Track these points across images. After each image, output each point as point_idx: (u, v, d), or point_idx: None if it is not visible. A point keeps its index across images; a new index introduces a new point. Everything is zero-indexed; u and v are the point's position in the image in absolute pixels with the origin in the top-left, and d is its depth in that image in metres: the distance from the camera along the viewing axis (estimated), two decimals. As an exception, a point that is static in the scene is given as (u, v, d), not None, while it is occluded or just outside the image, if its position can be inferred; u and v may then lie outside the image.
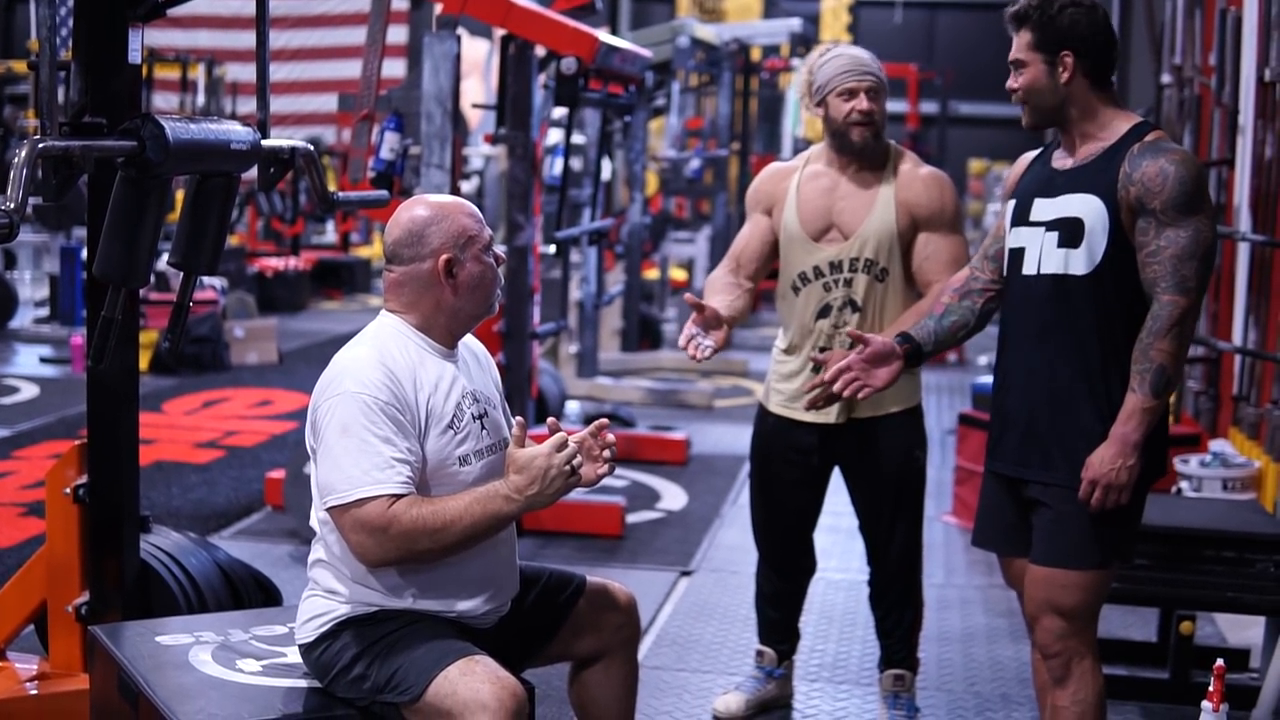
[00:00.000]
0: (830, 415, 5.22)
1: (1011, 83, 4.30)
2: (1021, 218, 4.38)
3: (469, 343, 4.10)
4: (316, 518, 3.88)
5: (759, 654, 5.67)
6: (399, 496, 3.68)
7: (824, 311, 5.22)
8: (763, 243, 5.35)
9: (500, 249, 4.01)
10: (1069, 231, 4.22)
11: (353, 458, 3.70)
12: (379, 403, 3.72)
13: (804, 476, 5.41)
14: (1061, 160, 4.35)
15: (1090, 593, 4.28)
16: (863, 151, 5.17)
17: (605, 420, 3.98)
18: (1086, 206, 4.20)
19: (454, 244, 3.87)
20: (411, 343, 3.89)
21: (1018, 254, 4.38)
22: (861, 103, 5.12)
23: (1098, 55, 4.24)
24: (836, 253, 5.20)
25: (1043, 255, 4.28)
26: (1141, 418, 4.11)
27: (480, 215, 3.96)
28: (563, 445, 3.71)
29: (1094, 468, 4.14)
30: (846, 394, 4.55)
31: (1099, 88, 4.26)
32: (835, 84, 5.16)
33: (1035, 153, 4.54)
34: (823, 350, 5.11)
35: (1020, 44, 4.25)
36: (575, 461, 3.72)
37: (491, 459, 3.93)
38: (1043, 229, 4.29)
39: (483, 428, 3.94)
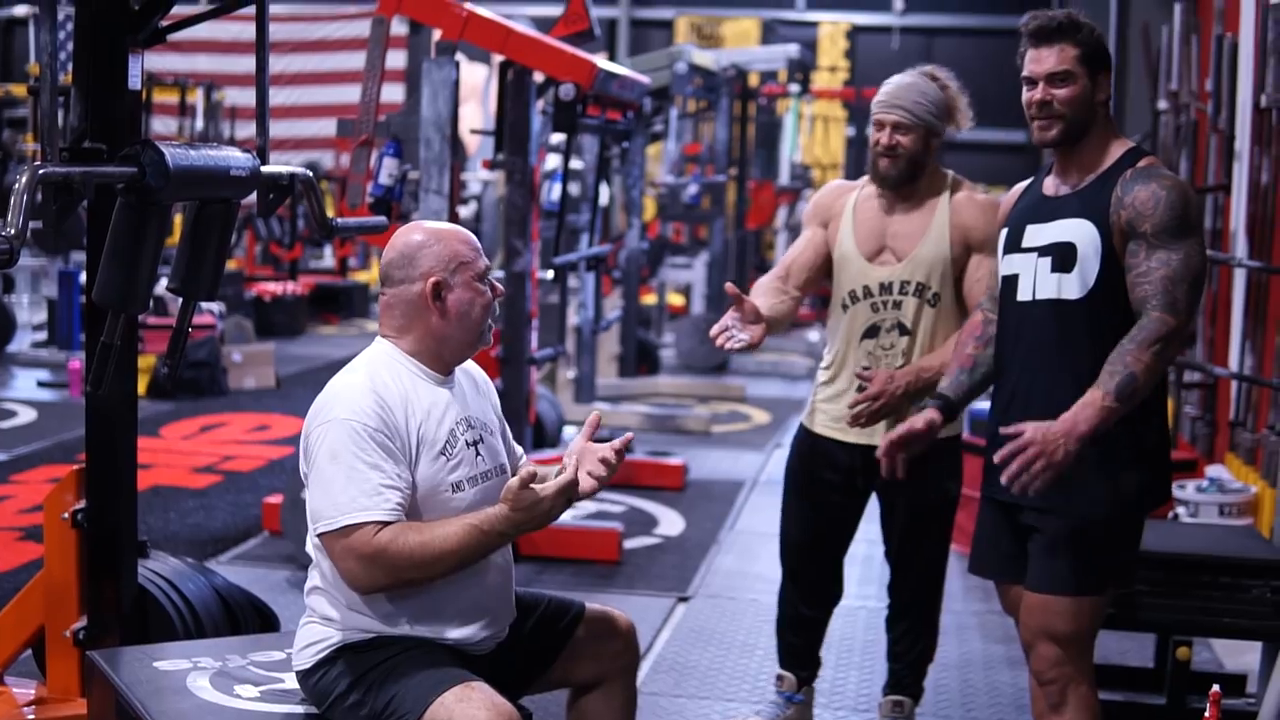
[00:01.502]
0: (875, 437, 5.23)
1: (1045, 94, 4.24)
2: (1013, 245, 4.38)
3: (467, 368, 4.11)
4: (310, 544, 3.89)
5: (779, 679, 5.62)
6: (387, 524, 3.69)
7: (871, 331, 5.24)
8: (816, 254, 5.37)
9: (498, 277, 4.00)
10: (1061, 256, 4.23)
11: (341, 485, 3.70)
12: (368, 429, 3.72)
13: (844, 499, 5.40)
14: (1054, 186, 4.35)
15: (1085, 619, 4.28)
16: (885, 181, 5.20)
17: (630, 435, 4.00)
18: (1079, 231, 4.21)
19: (444, 268, 3.87)
20: (404, 369, 3.89)
21: (1011, 281, 4.38)
22: (884, 135, 5.16)
23: (1110, 79, 4.29)
24: (888, 275, 5.22)
25: (1037, 281, 4.29)
26: (1097, 413, 4.01)
27: (478, 245, 3.96)
28: (564, 491, 3.71)
29: (1034, 431, 4.01)
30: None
31: (1108, 110, 4.29)
32: (872, 112, 5.24)
33: (1026, 183, 4.55)
34: (866, 369, 5.12)
35: (1065, 57, 4.21)
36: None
37: (486, 485, 3.92)
38: (1035, 255, 4.30)
39: (477, 454, 3.93)
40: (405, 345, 3.92)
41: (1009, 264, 4.40)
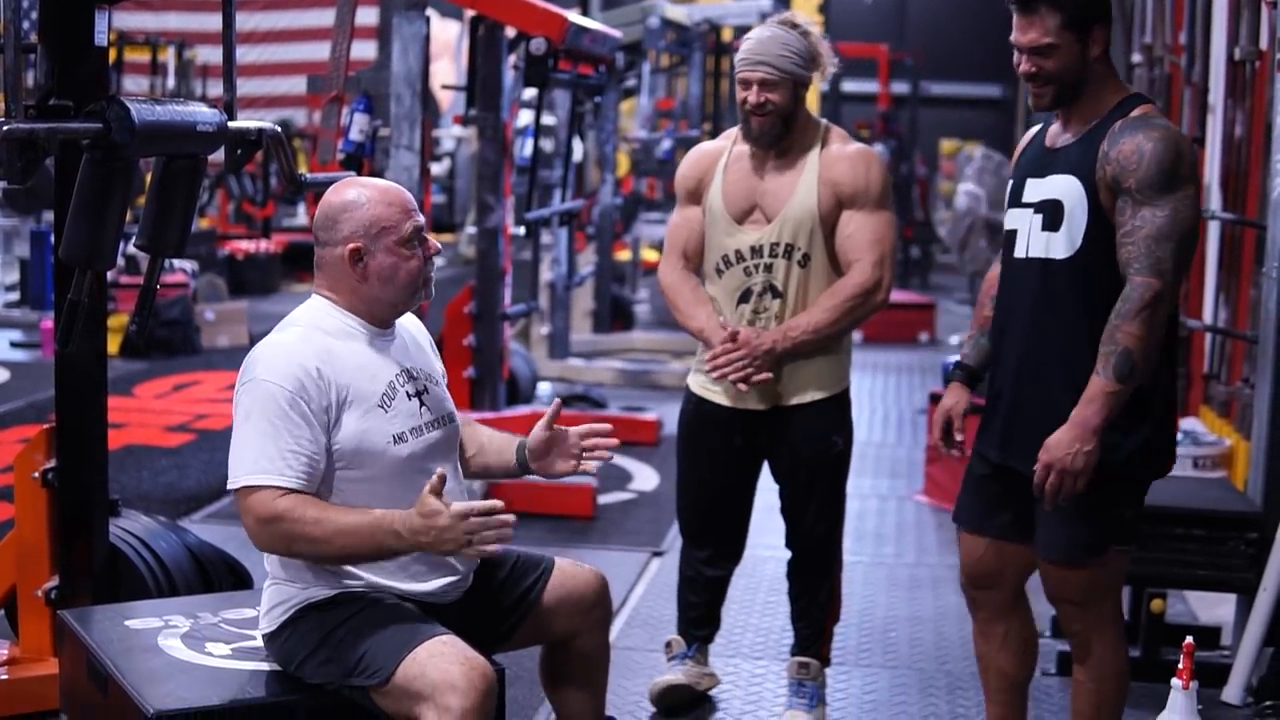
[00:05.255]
0: (747, 401, 5.20)
1: (1030, 66, 4.09)
2: (1015, 198, 4.28)
3: (404, 320, 4.09)
4: None
5: (667, 645, 5.59)
6: (289, 491, 3.69)
7: (744, 296, 5.17)
8: (703, 233, 5.30)
9: (433, 240, 3.95)
10: (1050, 214, 4.12)
11: (250, 445, 3.71)
12: (285, 393, 3.72)
13: (728, 457, 5.33)
14: (1053, 138, 4.23)
15: (1088, 582, 4.24)
16: (759, 140, 5.12)
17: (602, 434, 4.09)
18: (1066, 187, 4.09)
19: (364, 233, 3.84)
20: (339, 324, 3.89)
21: (1011, 235, 4.28)
22: (752, 94, 5.04)
23: (1110, 24, 4.12)
24: (758, 237, 5.14)
25: (1030, 238, 4.18)
26: (1104, 401, 3.97)
27: (409, 205, 3.91)
28: (466, 515, 3.65)
29: (1050, 451, 4.02)
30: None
31: (1106, 58, 4.14)
32: (737, 70, 5.11)
33: (1038, 127, 4.40)
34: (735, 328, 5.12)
35: (1047, 26, 4.03)
36: (475, 536, 3.67)
37: (430, 435, 3.93)
38: (1031, 210, 4.19)
39: (421, 404, 3.93)
40: (339, 301, 3.91)
41: (1010, 218, 4.30)
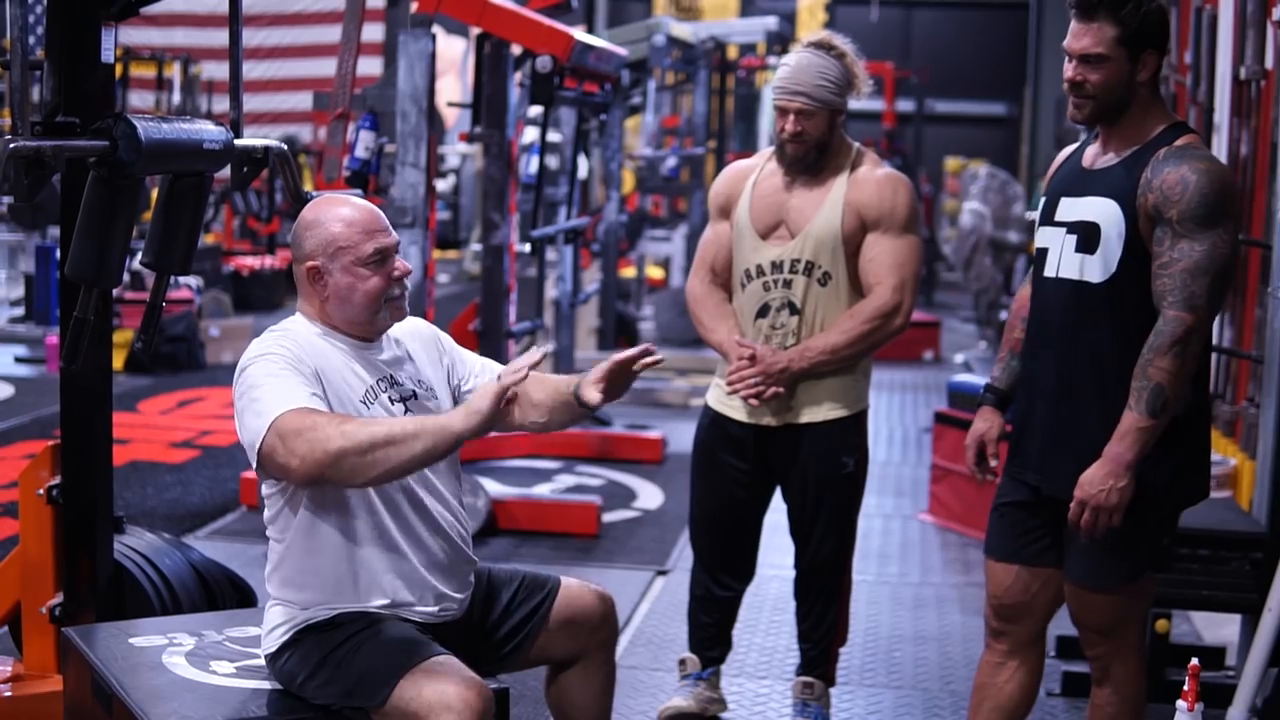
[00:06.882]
0: (763, 417, 5.22)
1: (1077, 75, 4.07)
2: (1048, 216, 4.25)
3: (407, 331, 4.09)
4: (269, 531, 3.93)
5: (681, 663, 5.55)
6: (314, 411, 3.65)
7: (763, 311, 5.20)
8: (731, 248, 5.33)
9: (401, 262, 3.92)
10: (1086, 236, 4.09)
11: (266, 398, 3.65)
12: (281, 359, 3.72)
13: (742, 475, 5.34)
14: (1092, 158, 4.20)
15: (1118, 607, 4.23)
16: (794, 165, 5.16)
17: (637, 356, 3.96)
18: (1104, 211, 4.06)
19: (321, 252, 3.85)
20: (317, 338, 3.88)
21: (1042, 254, 4.26)
22: (789, 123, 5.08)
23: (1164, 54, 4.13)
24: (780, 253, 5.16)
25: (1062, 258, 4.16)
26: (1136, 437, 3.96)
27: (371, 225, 3.87)
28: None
29: (1084, 488, 4.01)
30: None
31: (1154, 85, 4.14)
32: (774, 96, 5.17)
33: (1073, 146, 4.39)
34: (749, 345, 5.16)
35: (1102, 37, 4.04)
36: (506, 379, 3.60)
37: None
38: (1064, 230, 4.17)
39: (406, 410, 3.90)
40: (315, 316, 3.93)
41: (1042, 236, 4.27)
